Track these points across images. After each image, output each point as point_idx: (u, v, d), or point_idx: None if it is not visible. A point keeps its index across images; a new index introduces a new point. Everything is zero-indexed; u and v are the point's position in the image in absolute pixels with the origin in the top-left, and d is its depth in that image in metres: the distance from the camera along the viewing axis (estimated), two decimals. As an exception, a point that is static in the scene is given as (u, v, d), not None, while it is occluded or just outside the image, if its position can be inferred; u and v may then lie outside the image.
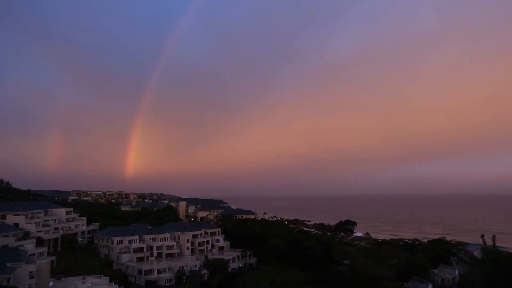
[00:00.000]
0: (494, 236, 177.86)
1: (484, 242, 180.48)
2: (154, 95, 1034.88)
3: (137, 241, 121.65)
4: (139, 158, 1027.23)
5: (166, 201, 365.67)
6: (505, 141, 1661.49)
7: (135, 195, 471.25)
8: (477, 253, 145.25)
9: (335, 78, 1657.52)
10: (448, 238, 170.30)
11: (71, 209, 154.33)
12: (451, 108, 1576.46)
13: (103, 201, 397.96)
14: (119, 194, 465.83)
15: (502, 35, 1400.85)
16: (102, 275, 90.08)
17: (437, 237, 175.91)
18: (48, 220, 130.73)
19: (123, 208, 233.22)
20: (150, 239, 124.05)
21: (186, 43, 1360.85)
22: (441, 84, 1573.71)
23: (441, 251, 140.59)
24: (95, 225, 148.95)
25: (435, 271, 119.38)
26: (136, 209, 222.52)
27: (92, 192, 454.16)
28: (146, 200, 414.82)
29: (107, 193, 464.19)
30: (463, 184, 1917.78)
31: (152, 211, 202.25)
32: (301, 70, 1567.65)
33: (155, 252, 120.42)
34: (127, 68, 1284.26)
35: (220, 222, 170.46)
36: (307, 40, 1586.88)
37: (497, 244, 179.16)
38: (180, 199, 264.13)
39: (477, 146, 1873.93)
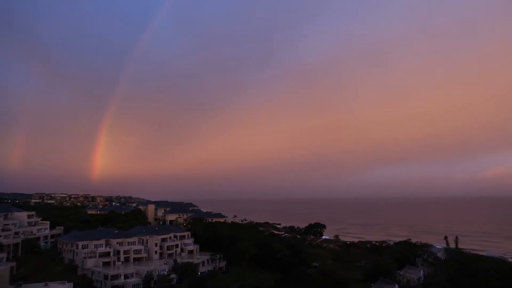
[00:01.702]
0: (456, 238, 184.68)
1: (447, 243, 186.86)
2: (125, 94, 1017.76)
3: (104, 245, 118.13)
4: (107, 159, 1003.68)
5: (134, 204, 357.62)
6: (471, 146, 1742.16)
7: (102, 198, 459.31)
8: (440, 254, 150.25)
9: (310, 80, 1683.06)
10: (413, 240, 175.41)
11: (33, 212, 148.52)
12: (423, 113, 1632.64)
13: (68, 204, 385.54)
14: (85, 197, 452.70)
15: (468, 42, 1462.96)
16: (66, 281, 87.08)
17: (403, 239, 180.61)
18: (8, 225, 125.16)
19: (89, 211, 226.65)
20: (117, 243, 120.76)
21: (160, 42, 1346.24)
22: (411, 89, 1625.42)
23: (407, 252, 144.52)
24: (59, 229, 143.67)
25: (401, 272, 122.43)
26: (102, 212, 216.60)
27: (57, 195, 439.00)
28: (114, 203, 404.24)
29: (73, 196, 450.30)
30: (431, 187, 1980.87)
31: (120, 215, 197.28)
32: (276, 72, 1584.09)
33: (122, 257, 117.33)
34: (97, 66, 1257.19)
35: (189, 226, 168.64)
36: (282, 43, 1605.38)
37: (459, 245, 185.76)
38: (149, 202, 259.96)
39: (446, 150, 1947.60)
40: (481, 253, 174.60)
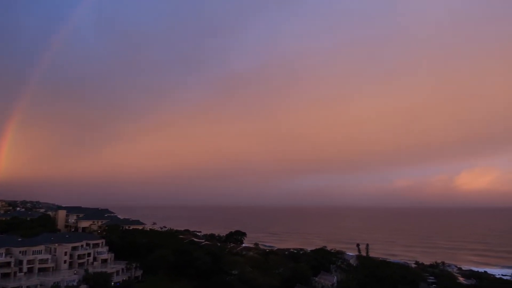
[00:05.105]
0: (367, 245, 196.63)
1: (359, 251, 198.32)
2: (37, 91, 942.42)
3: (3, 254, 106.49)
4: (12, 159, 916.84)
5: (42, 210, 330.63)
6: (382, 159, 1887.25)
7: (3, 203, 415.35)
8: (353, 261, 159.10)
9: (236, 88, 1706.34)
10: (328, 247, 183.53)
11: None
12: (343, 124, 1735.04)
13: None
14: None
15: (391, 55, 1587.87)
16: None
17: (319, 246, 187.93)
18: None
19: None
20: (20, 252, 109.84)
21: (80, 39, 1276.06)
22: (332, 100, 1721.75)
23: (322, 259, 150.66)
24: None
25: (316, 279, 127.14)
26: (4, 218, 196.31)
27: None
28: (18, 209, 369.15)
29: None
30: (346, 197, 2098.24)
31: (25, 221, 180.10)
32: (203, 79, 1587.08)
33: (25, 267, 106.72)
34: (4, 57, 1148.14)
35: (104, 233, 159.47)
36: (209, 51, 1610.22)
37: (370, 253, 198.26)
38: (60, 207, 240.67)
39: (359, 163, 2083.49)
40: (388, 259, 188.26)
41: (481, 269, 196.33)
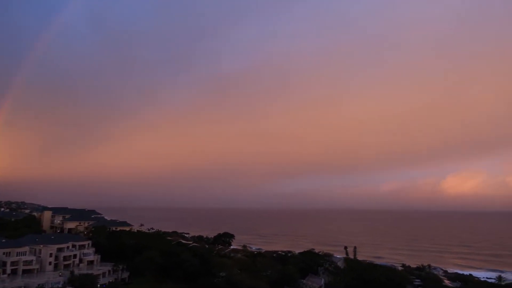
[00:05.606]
0: (355, 248, 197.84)
1: (346, 253, 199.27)
2: (25, 89, 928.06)
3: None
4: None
5: (27, 211, 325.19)
6: (369, 162, 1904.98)
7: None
8: (340, 264, 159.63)
9: (228, 89, 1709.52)
10: (316, 250, 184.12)
11: None
12: (331, 125, 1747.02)
13: None
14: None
15: (383, 58, 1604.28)
16: None
17: (307, 249, 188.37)
18: None
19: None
20: (4, 253, 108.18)
21: (71, 38, 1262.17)
22: (322, 102, 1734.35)
23: (310, 262, 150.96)
24: None
25: (304, 281, 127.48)
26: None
27: None
28: (2, 209, 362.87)
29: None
30: (332, 200, 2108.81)
31: (9, 222, 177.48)
32: (194, 79, 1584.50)
33: (8, 269, 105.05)
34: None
35: (91, 234, 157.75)
36: (201, 51, 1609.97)
37: (357, 255, 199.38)
38: (45, 208, 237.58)
39: (347, 165, 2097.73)
40: (375, 262, 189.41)
41: (466, 272, 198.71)
